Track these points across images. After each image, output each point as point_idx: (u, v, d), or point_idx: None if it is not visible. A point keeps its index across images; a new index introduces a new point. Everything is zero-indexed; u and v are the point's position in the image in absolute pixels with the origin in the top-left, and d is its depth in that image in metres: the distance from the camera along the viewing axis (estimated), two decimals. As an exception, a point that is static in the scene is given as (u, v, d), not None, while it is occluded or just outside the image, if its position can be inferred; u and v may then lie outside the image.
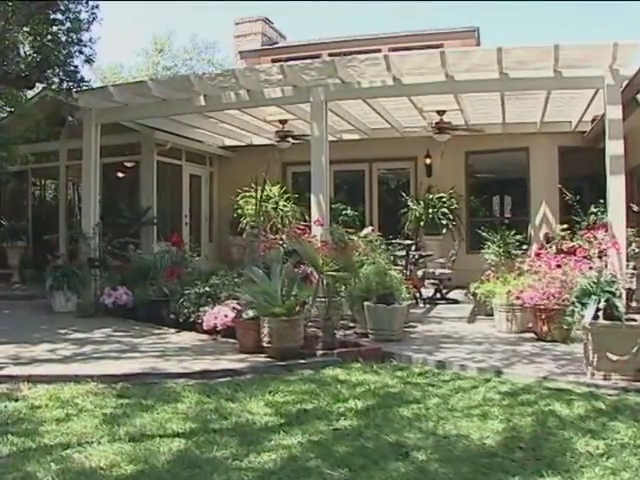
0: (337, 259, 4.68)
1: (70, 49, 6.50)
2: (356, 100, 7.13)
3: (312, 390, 3.84)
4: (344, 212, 9.52)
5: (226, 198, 10.67)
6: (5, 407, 3.48)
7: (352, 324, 5.64)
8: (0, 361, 4.44)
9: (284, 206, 9.48)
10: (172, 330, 5.69)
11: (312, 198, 6.24)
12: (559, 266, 5.72)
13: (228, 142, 10.19)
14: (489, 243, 9.25)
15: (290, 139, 8.29)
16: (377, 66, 6.13)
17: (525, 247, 9.34)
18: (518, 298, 5.53)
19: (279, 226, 8.53)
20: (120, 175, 9.69)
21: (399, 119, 8.68)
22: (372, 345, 4.80)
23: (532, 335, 5.44)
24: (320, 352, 4.58)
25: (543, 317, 5.26)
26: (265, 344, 4.45)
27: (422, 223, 9.34)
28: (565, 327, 5.08)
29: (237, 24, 12.88)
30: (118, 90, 6.89)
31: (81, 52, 6.60)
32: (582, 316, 4.02)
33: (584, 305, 4.06)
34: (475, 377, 4.16)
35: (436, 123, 7.74)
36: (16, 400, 3.61)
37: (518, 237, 9.04)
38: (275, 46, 12.59)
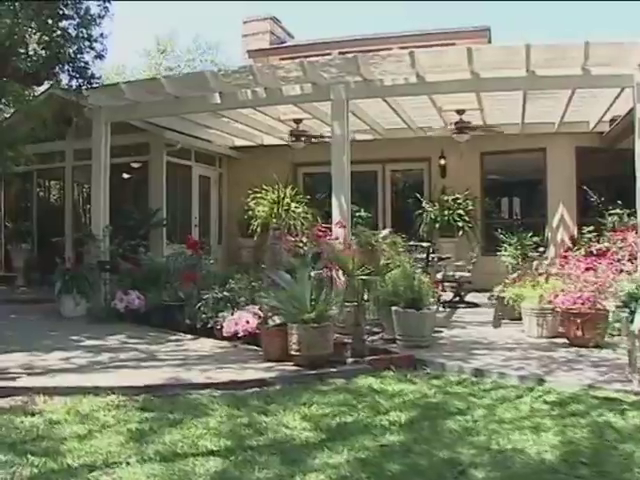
0: (366, 262, 4.46)
1: (80, 44, 6.27)
2: (375, 99, 6.93)
3: (348, 401, 3.63)
4: (357, 214, 9.29)
5: (235, 200, 10.45)
6: (22, 422, 3.25)
7: (376, 329, 5.42)
8: (13, 371, 4.20)
9: (296, 208, 9.26)
10: (189, 336, 5.46)
11: (333, 199, 6.02)
12: (589, 269, 5.55)
13: (238, 142, 9.96)
14: (506, 245, 9.12)
15: (304, 139, 8.06)
16: (400, 63, 5.94)
17: (542, 249, 9.22)
18: (550, 302, 5.34)
19: (298, 228, 8.28)
20: (127, 176, 9.45)
21: (415, 119, 8.48)
22: (404, 352, 4.58)
23: (564, 340, 5.23)
24: (350, 360, 4.36)
25: (578, 322, 5.06)
26: (293, 352, 4.22)
27: (437, 225, 9.13)
28: (600, 332, 4.91)
29: (245, 23, 12.69)
30: (130, 87, 6.66)
31: (92, 48, 6.36)
32: (630, 321, 3.83)
33: (632, 310, 3.86)
34: (517, 386, 3.97)
35: (456, 123, 7.54)
36: (32, 414, 3.38)
37: (535, 239, 8.95)
38: (284, 45, 12.41)
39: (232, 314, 5.14)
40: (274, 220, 5.12)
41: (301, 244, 5.72)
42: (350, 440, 3.01)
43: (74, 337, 5.50)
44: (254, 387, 3.89)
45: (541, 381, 4.01)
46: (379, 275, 4.56)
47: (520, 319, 6.19)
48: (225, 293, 5.42)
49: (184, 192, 9.42)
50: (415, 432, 3.13)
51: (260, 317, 4.93)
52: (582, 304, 5.03)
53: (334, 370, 4.19)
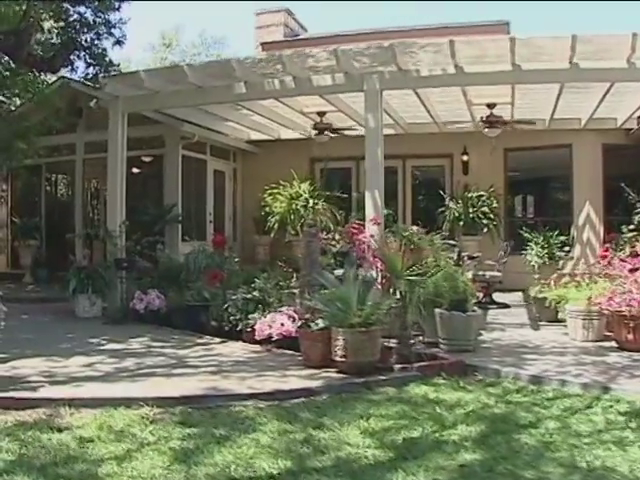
0: (410, 262, 4.16)
1: (98, 30, 5.93)
2: (401, 91, 6.61)
3: (407, 413, 3.35)
4: (378, 211, 9.00)
5: (250, 196, 10.12)
6: (49, 440, 2.92)
7: (414, 332, 5.13)
8: (32, 379, 3.87)
9: (315, 204, 8.95)
10: (216, 339, 5.14)
11: (367, 195, 5.71)
12: (636, 270, 5.28)
13: (254, 136, 9.61)
14: (532, 244, 8.85)
15: (328, 132, 7.74)
16: (437, 53, 5.63)
17: (567, 249, 8.96)
18: (597, 304, 5.07)
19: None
20: (140, 170, 9.09)
21: (440, 113, 8.18)
22: (454, 358, 4.29)
23: (611, 344, 4.97)
24: (397, 366, 4.07)
25: (630, 325, 4.79)
26: (338, 358, 3.92)
27: (461, 223, 8.84)
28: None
29: (258, 14, 12.32)
30: (150, 76, 6.30)
31: (110, 34, 6.02)
32: None
33: None
34: (581, 394, 3.70)
35: (487, 117, 7.24)
36: (59, 430, 3.05)
37: (562, 238, 8.68)
38: (298, 38, 12.07)
39: (264, 316, 4.84)
40: (309, 217, 4.79)
41: (333, 242, 5.42)
42: (423, 459, 2.72)
43: (93, 340, 5.18)
44: (300, 397, 3.59)
45: (606, 389, 3.74)
46: (427, 275, 4.25)
47: (558, 321, 5.99)
48: (255, 293, 5.11)
49: (199, 187, 9.08)
50: (491, 449, 2.85)
51: (295, 319, 4.64)
52: (634, 306, 4.77)
53: (383, 378, 3.90)
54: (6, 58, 6.86)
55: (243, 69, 5.95)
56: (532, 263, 8.57)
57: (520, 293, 8.22)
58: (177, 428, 3.10)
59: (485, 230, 8.83)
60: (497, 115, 7.30)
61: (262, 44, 11.48)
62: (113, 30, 6.01)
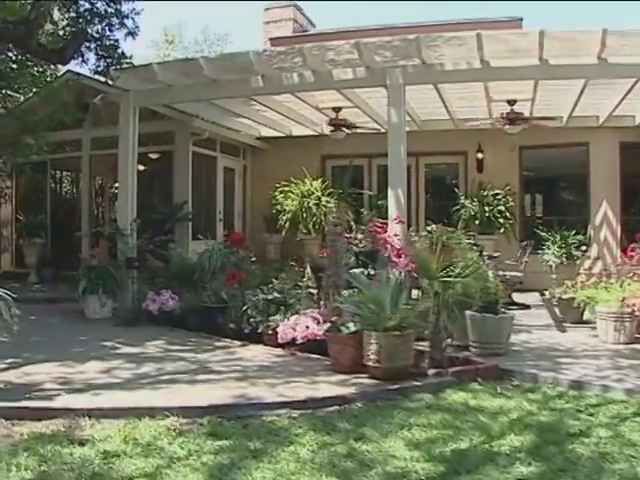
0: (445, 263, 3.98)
1: (110, 20, 5.70)
2: (424, 86, 6.42)
3: (449, 422, 3.17)
4: (392, 209, 8.81)
5: (259, 193, 9.90)
6: (70, 455, 2.71)
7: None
8: (47, 386, 3.66)
9: (327, 202, 8.76)
10: (236, 342, 4.93)
11: (390, 193, 5.52)
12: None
13: (265, 132, 9.40)
14: (549, 244, 8.69)
15: (344, 128, 7.54)
16: (462, 46, 5.45)
17: (584, 248, 8.80)
18: (631, 306, 4.90)
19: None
20: (148, 167, 8.87)
21: (458, 110, 7.99)
22: (489, 362, 4.11)
23: (645, 347, 4.83)
24: (431, 371, 3.89)
25: (667, 329, 4.64)
26: (371, 363, 3.73)
27: (477, 222, 8.66)
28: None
29: (267, 10, 12.10)
30: (163, 69, 6.10)
31: (122, 24, 5.79)
32: None
33: None
34: (626, 400, 3.54)
35: (507, 114, 7.06)
36: (81, 443, 2.84)
37: (579, 237, 8.51)
38: (308, 33, 11.85)
39: (287, 318, 4.65)
40: (333, 214, 4.60)
41: (356, 241, 5.23)
42: (476, 473, 2.54)
43: (107, 343, 4.97)
44: (334, 405, 3.40)
45: (651, 395, 3.59)
46: (461, 276, 4.07)
47: (583, 322, 5.85)
48: (276, 294, 4.92)
49: (208, 185, 8.85)
50: (546, 460, 2.67)
51: (319, 322, 4.45)
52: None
53: (417, 384, 3.72)
54: (11, 53, 6.66)
55: (261, 62, 5.74)
56: (549, 263, 8.44)
57: (536, 293, 8.09)
58: (208, 440, 2.90)
59: (502, 229, 8.66)
60: (518, 112, 7.12)
61: (271, 39, 11.25)
62: (126, 21, 5.79)
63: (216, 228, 8.90)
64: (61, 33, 5.70)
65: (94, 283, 6.05)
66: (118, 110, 6.70)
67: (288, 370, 4.04)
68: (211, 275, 5.91)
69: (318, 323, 4.46)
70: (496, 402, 3.53)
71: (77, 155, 8.86)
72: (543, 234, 8.44)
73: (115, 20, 5.79)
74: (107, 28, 5.77)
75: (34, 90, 7.21)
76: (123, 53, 5.88)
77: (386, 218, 5.66)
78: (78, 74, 7.75)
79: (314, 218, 8.70)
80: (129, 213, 6.44)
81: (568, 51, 5.45)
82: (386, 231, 5.15)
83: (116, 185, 10.24)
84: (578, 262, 8.44)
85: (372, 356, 3.72)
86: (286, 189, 8.92)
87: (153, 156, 8.87)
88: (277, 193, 8.92)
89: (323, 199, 8.78)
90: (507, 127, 7.16)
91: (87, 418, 3.14)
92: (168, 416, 3.15)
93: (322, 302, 4.73)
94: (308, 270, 8.38)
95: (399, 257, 4.39)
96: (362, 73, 5.69)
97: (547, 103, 7.73)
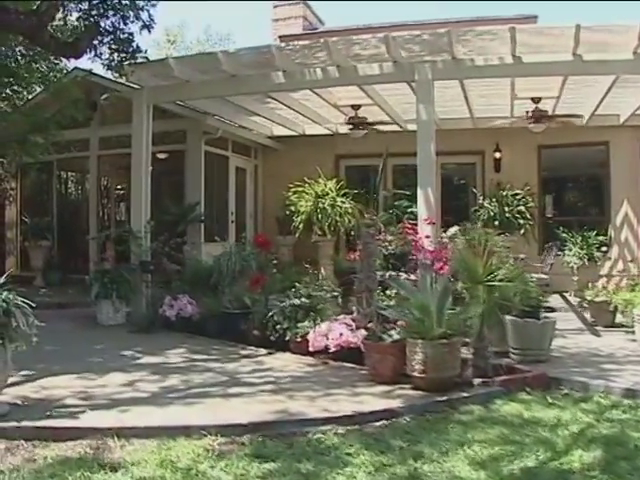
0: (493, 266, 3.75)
1: (124, 13, 5.44)
2: (446, 83, 6.19)
3: (508, 437, 2.96)
4: (409, 209, 8.57)
5: (271, 194, 9.63)
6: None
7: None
8: (69, 402, 3.38)
9: (342, 203, 8.51)
10: (262, 351, 4.68)
11: (419, 193, 5.29)
12: None
13: (277, 131, 9.15)
14: (570, 245, 8.49)
15: (362, 127, 7.31)
16: (494, 41, 5.23)
17: (604, 249, 8.61)
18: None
19: (346, 225, 7.60)
20: (155, 167, 8.58)
21: (479, 107, 7.78)
22: (537, 370, 3.89)
23: (687, 354, 4.62)
24: (477, 380, 3.66)
25: None
26: (416, 373, 3.50)
27: (497, 222, 8.44)
28: None
29: (275, 7, 11.88)
30: (180, 64, 5.84)
31: (137, 17, 5.54)
32: None
33: None
34: (688, 411, 3.33)
35: (532, 111, 6.85)
36: (113, 469, 2.58)
37: (600, 238, 8.33)
38: (318, 31, 11.63)
39: (317, 325, 4.40)
40: (366, 215, 4.36)
41: (385, 243, 5.00)
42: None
43: (126, 352, 4.70)
44: (381, 419, 3.16)
45: None
46: (506, 280, 3.84)
47: (615, 326, 5.67)
48: (304, 299, 4.67)
49: (220, 185, 8.59)
50: (622, 479, 2.46)
51: (353, 329, 4.21)
52: None
53: (465, 395, 3.49)
54: (19, 48, 6.40)
55: (283, 56, 5.50)
56: (570, 264, 8.26)
57: (556, 295, 7.89)
58: (253, 463, 2.65)
59: (522, 230, 8.45)
60: (542, 109, 6.92)
61: (280, 37, 11.02)
62: (141, 13, 5.53)
63: (228, 230, 8.64)
64: (73, 25, 5.43)
65: (107, 288, 5.77)
66: (127, 108, 6.46)
67: (324, 381, 3.79)
68: (229, 279, 5.67)
69: (351, 330, 4.22)
70: (550, 413, 3.31)
71: (84, 155, 8.58)
72: (564, 235, 8.26)
73: (130, 12, 5.54)
74: (121, 21, 5.52)
75: (42, 87, 6.92)
76: (138, 47, 5.62)
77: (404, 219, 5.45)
78: (86, 71, 7.50)
79: (329, 219, 8.45)
80: (143, 214, 6.18)
81: (601, 46, 5.26)
82: (417, 232, 4.92)
83: (119, 186, 10.02)
84: (599, 263, 8.28)
85: (417, 366, 3.49)
86: (300, 189, 8.68)
87: (161, 156, 8.60)
88: (290, 193, 8.68)
89: (338, 200, 8.54)
90: (532, 125, 6.95)
91: (116, 438, 2.87)
92: (205, 435, 2.90)
93: (354, 307, 4.49)
94: (323, 272, 8.24)
95: (436, 260, 4.15)
96: (389, 68, 5.46)
97: (570, 101, 7.53)
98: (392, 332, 3.62)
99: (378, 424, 3.12)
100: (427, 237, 4.93)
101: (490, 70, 5.44)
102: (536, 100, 6.88)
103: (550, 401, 3.53)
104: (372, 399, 3.41)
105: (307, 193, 8.78)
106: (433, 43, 5.25)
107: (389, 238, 5.01)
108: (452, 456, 2.71)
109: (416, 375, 3.52)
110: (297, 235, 8.70)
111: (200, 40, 22.01)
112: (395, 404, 3.31)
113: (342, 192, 8.85)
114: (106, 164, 8.67)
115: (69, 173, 9.70)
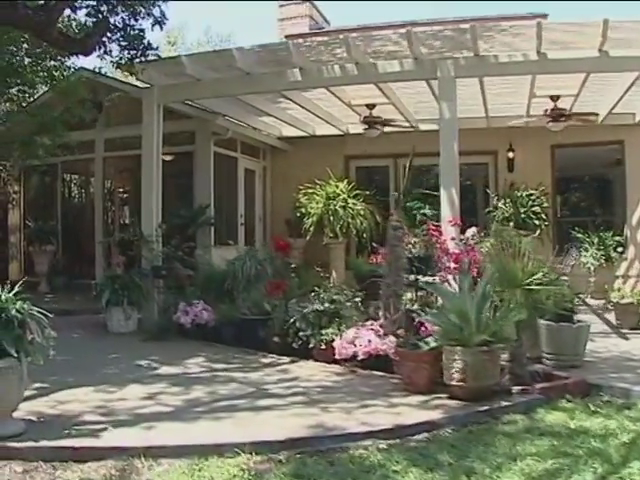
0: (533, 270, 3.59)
1: (135, 8, 5.26)
2: (465, 81, 6.04)
3: (559, 449, 2.79)
4: (421, 211, 8.42)
5: (280, 196, 9.45)
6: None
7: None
8: (87, 418, 3.16)
9: (354, 204, 8.35)
10: (284, 359, 4.50)
11: (442, 193, 5.13)
12: None
13: (286, 132, 8.97)
14: (586, 246, 8.34)
15: (379, 126, 7.14)
16: (518, 36, 5.09)
17: (620, 249, 8.48)
18: None
19: (359, 227, 7.43)
20: (167, 169, 8.37)
21: (494, 106, 7.63)
22: (576, 377, 3.73)
23: None
24: (516, 389, 3.49)
25: None
26: (454, 382, 3.32)
27: (511, 223, 8.28)
28: None
29: (281, 6, 11.72)
30: (192, 61, 5.66)
31: (149, 13, 5.36)
32: None
33: None
34: None
35: (551, 110, 6.70)
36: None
37: (617, 239, 8.19)
38: (325, 30, 11.47)
39: (342, 331, 4.22)
40: (393, 216, 4.19)
41: (409, 245, 4.82)
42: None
43: (142, 362, 4.49)
44: (422, 432, 2.98)
45: None
46: (544, 284, 3.67)
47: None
48: (327, 305, 4.49)
49: (229, 187, 8.39)
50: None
51: (381, 335, 4.03)
52: None
53: (506, 404, 3.32)
54: (26, 45, 6.20)
55: (299, 53, 5.33)
56: (587, 265, 8.12)
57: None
58: (295, 484, 2.47)
59: (537, 231, 8.30)
60: (561, 108, 6.78)
61: (287, 36, 10.85)
62: (152, 9, 5.35)
63: (237, 233, 8.45)
64: (82, 21, 5.24)
65: (118, 294, 5.56)
66: (133, 109, 6.28)
67: (357, 391, 3.60)
68: (244, 284, 5.48)
69: (379, 337, 4.04)
70: (596, 422, 3.15)
71: (89, 157, 8.37)
72: (579, 235, 8.13)
73: (141, 8, 5.36)
74: (132, 17, 5.33)
75: (47, 86, 6.72)
76: (149, 44, 5.44)
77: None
78: (92, 71, 7.31)
79: (341, 221, 8.29)
80: (154, 218, 5.98)
81: (627, 43, 5.12)
82: (441, 234, 4.75)
83: (121, 189, 9.80)
84: (615, 264, 8.14)
85: (456, 374, 3.31)
86: (310, 191, 8.50)
87: (167, 158, 8.40)
88: (300, 195, 8.50)
89: (350, 201, 8.38)
90: (550, 124, 6.80)
91: (143, 458, 2.66)
92: (239, 453, 2.70)
93: (380, 313, 4.31)
94: (334, 275, 8.06)
95: (474, 263, 3.98)
96: (410, 65, 5.29)
97: (588, 99, 7.40)
98: (429, 339, 3.44)
99: (420, 437, 2.94)
100: (452, 239, 4.77)
101: (514, 67, 5.28)
102: (555, 98, 6.73)
103: (593, 409, 3.36)
104: (410, 410, 3.24)
105: (317, 195, 8.62)
106: (456, 39, 5.10)
107: (413, 240, 4.83)
108: (505, 471, 2.53)
109: (454, 384, 3.34)
110: (308, 237, 8.54)
111: (200, 42, 21.88)
112: (435, 415, 3.14)
113: (353, 193, 8.71)
114: (111, 166, 8.46)
115: (73, 176, 9.49)
